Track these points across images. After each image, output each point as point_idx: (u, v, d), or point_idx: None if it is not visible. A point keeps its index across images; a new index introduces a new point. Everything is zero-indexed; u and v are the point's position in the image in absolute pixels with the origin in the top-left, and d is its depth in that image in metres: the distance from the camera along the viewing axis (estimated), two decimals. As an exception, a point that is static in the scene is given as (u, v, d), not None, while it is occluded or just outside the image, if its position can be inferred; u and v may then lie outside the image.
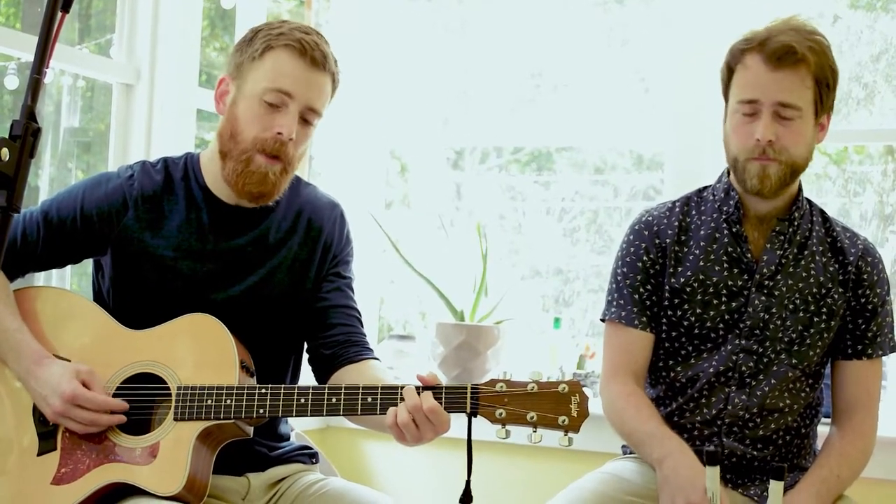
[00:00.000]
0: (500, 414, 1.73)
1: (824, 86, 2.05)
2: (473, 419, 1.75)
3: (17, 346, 1.87)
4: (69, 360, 1.89)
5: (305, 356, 2.14)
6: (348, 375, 2.00)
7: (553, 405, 1.72)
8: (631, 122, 3.36)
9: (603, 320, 2.24)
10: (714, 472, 1.80)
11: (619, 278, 2.21)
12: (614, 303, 2.20)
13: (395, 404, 1.75)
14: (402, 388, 1.77)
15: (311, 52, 1.95)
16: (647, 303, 2.18)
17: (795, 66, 2.01)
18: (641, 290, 2.18)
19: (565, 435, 1.72)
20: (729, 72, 2.10)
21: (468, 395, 1.74)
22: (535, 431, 1.73)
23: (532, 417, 1.72)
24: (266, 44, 1.95)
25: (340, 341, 2.05)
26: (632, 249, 2.20)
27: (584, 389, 1.75)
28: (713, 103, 2.63)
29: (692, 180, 2.48)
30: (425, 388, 1.75)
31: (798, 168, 2.08)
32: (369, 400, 1.77)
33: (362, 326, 2.11)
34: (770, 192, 2.07)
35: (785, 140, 2.04)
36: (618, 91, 3.42)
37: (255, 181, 1.94)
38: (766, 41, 2.02)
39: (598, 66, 3.44)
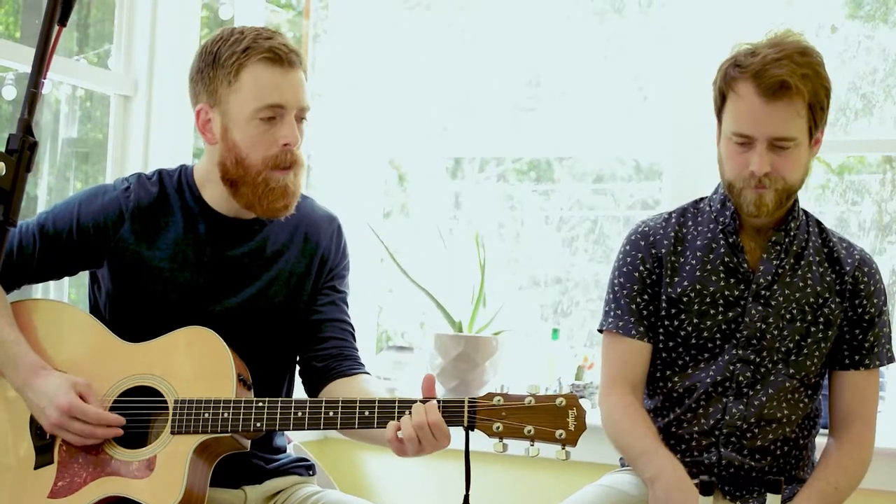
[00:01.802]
0: (498, 428, 1.72)
1: (818, 109, 2.03)
2: (471, 433, 1.75)
3: (14, 358, 1.87)
4: (66, 373, 1.89)
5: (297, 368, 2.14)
6: (339, 389, 2.00)
7: (550, 419, 1.71)
8: (629, 132, 3.36)
9: (601, 331, 2.24)
10: (707, 503, 1.79)
11: (616, 289, 2.21)
12: (611, 313, 2.20)
13: (393, 418, 1.75)
14: (398, 400, 1.77)
15: (284, 56, 1.92)
16: (645, 313, 2.18)
17: (790, 99, 1.99)
18: (638, 300, 2.18)
19: (562, 448, 1.71)
20: (721, 96, 2.07)
21: (465, 409, 1.74)
22: (532, 445, 1.72)
23: (529, 431, 1.71)
24: (236, 62, 1.90)
25: (333, 355, 2.05)
26: (628, 260, 2.20)
27: (582, 401, 1.74)
28: (711, 113, 2.63)
29: (691, 189, 2.48)
30: (426, 398, 1.75)
31: (794, 190, 2.09)
32: (367, 414, 1.77)
33: (355, 341, 2.11)
34: (767, 215, 2.08)
35: (781, 169, 2.03)
36: (616, 100, 3.42)
37: (278, 196, 1.94)
38: (759, 73, 1.99)
39: (597, 75, 3.44)
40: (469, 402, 1.74)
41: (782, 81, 1.98)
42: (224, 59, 1.92)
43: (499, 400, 1.73)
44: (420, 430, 1.71)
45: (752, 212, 2.07)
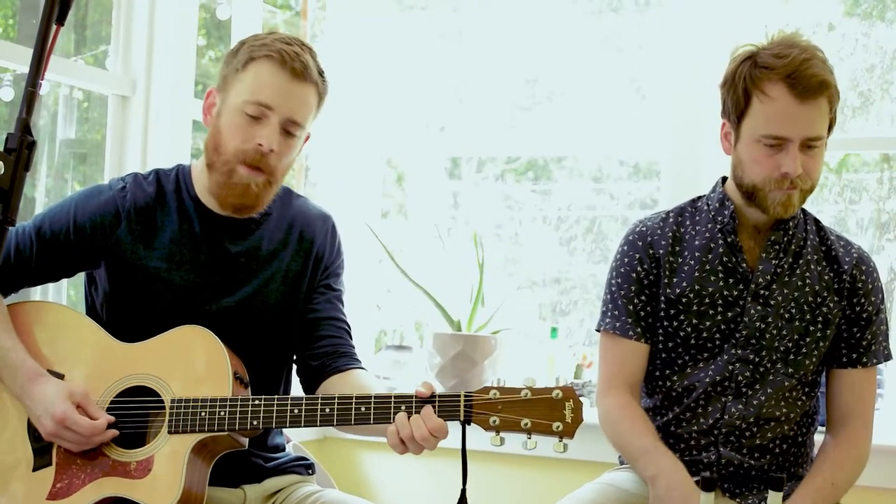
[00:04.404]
0: (494, 421, 1.72)
1: (836, 107, 2.05)
2: (467, 427, 1.75)
3: (12, 364, 1.87)
4: (63, 375, 1.89)
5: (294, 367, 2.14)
6: (334, 385, 2.01)
7: (547, 411, 1.71)
8: (627, 131, 3.36)
9: (598, 331, 2.24)
10: (708, 499, 1.79)
11: (613, 289, 2.21)
12: (609, 313, 2.20)
13: (389, 414, 1.75)
14: (393, 396, 1.77)
15: (290, 62, 1.93)
16: (642, 313, 2.18)
17: (822, 98, 2.00)
18: (636, 300, 2.18)
19: (560, 441, 1.71)
20: (745, 98, 2.04)
21: (461, 403, 1.74)
22: (529, 438, 1.72)
23: (526, 424, 1.71)
24: (248, 55, 1.95)
25: (328, 352, 2.06)
26: (626, 260, 2.20)
27: (581, 399, 1.74)
28: (709, 111, 2.63)
29: (689, 188, 2.48)
30: (419, 399, 1.75)
31: (814, 189, 2.09)
32: (363, 410, 1.77)
33: (351, 338, 2.12)
34: (792, 214, 2.09)
35: (809, 168, 2.03)
36: (614, 99, 3.42)
37: (237, 193, 1.94)
38: (795, 74, 1.97)
39: (594, 74, 3.44)
40: (465, 396, 1.74)
41: (822, 81, 1.98)
42: (243, 50, 1.97)
43: (495, 393, 1.73)
44: (424, 441, 1.72)
45: (779, 212, 2.06)
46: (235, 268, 2.02)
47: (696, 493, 1.92)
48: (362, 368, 2.07)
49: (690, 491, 1.96)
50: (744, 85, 2.04)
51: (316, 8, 3.61)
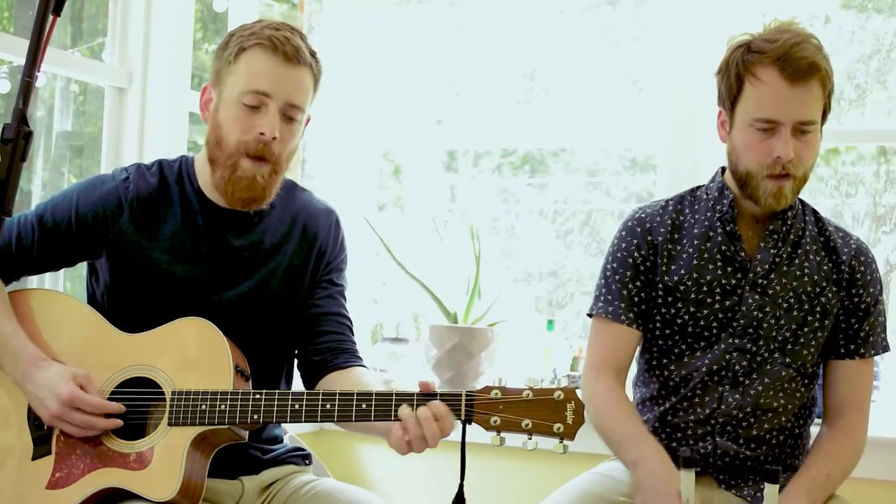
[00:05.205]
0: (495, 421, 1.72)
1: (830, 93, 2.05)
2: (468, 426, 1.75)
3: (13, 350, 1.87)
4: (64, 364, 1.89)
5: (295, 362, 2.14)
6: (335, 381, 2.01)
7: (548, 412, 1.71)
8: (624, 124, 3.36)
9: (590, 315, 2.24)
10: (689, 477, 1.79)
11: (608, 274, 2.21)
12: (602, 298, 2.20)
13: (390, 411, 1.75)
14: (395, 393, 1.77)
15: (281, 47, 1.92)
16: (636, 299, 2.18)
17: (814, 81, 2.00)
18: (630, 286, 2.18)
19: (560, 442, 1.71)
20: (737, 83, 2.05)
21: (463, 403, 1.74)
22: (530, 439, 1.72)
23: (527, 425, 1.71)
24: (239, 46, 1.94)
25: (330, 348, 2.05)
26: (623, 245, 2.20)
27: (578, 392, 1.74)
28: (706, 104, 2.63)
29: (685, 182, 2.48)
30: (421, 395, 1.75)
31: (807, 178, 2.09)
32: (364, 406, 1.77)
33: (352, 334, 2.11)
34: (784, 206, 2.08)
35: (802, 154, 2.03)
36: (610, 93, 3.42)
37: (243, 186, 1.94)
38: (785, 56, 1.98)
39: (591, 67, 3.44)
40: (466, 395, 1.74)
41: (812, 63, 1.98)
42: (232, 41, 1.95)
43: (496, 393, 1.73)
44: (432, 434, 1.71)
45: (770, 204, 2.06)
46: (238, 261, 2.02)
47: (677, 478, 1.92)
48: (363, 366, 2.06)
49: (672, 477, 1.95)
50: (736, 70, 2.05)
51: (313, 0, 3.61)
